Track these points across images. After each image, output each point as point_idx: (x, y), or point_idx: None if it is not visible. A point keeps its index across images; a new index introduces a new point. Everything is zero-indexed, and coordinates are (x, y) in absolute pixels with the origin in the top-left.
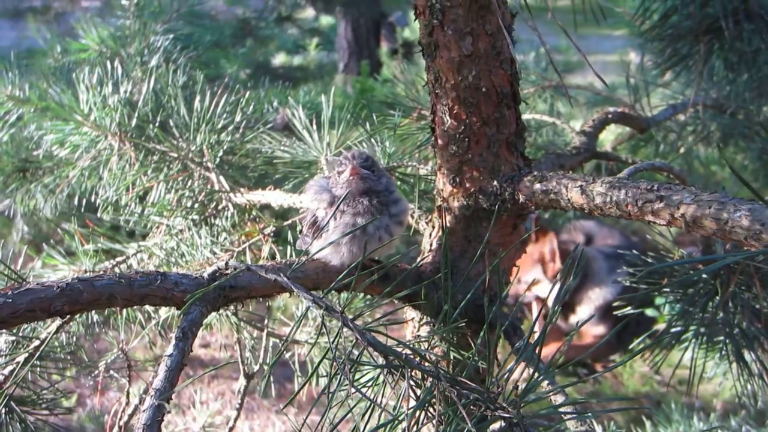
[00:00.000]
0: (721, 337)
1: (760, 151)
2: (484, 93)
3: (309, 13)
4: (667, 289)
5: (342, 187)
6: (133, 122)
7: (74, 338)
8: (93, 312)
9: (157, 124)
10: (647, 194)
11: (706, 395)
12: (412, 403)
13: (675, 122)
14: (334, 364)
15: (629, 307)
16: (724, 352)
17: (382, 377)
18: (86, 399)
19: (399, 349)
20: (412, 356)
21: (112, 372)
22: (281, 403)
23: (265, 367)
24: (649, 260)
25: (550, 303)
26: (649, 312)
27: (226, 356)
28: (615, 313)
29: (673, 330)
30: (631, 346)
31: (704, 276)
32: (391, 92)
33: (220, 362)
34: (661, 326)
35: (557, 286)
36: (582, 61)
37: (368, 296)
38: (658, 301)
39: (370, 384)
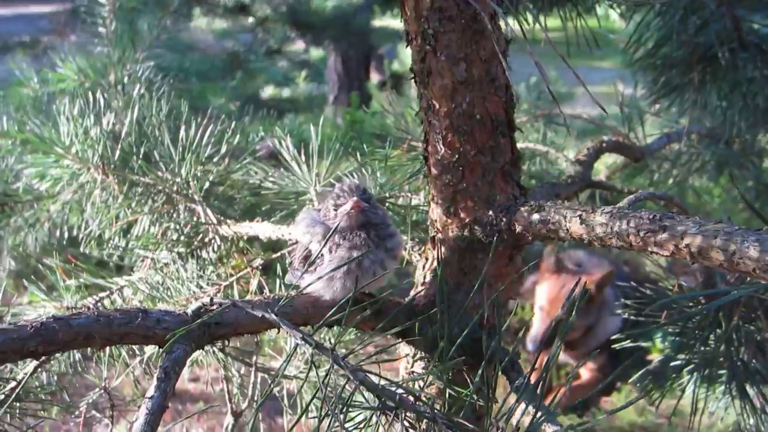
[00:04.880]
0: (723, 371)
1: (754, 181)
2: (479, 120)
3: (299, 45)
4: (666, 321)
5: (340, 221)
6: (117, 154)
7: (55, 377)
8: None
9: (140, 156)
10: (650, 224)
11: (702, 427)
12: None
13: (669, 151)
14: (325, 404)
15: (628, 341)
16: (726, 387)
17: (375, 417)
18: None
19: (393, 389)
20: (406, 396)
21: (94, 412)
22: None
23: (254, 404)
24: (648, 292)
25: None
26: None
27: (216, 390)
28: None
29: (672, 364)
30: (630, 380)
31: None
32: (381, 123)
33: (210, 396)
34: (655, 356)
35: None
36: (571, 92)
37: (360, 330)
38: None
39: (362, 425)
